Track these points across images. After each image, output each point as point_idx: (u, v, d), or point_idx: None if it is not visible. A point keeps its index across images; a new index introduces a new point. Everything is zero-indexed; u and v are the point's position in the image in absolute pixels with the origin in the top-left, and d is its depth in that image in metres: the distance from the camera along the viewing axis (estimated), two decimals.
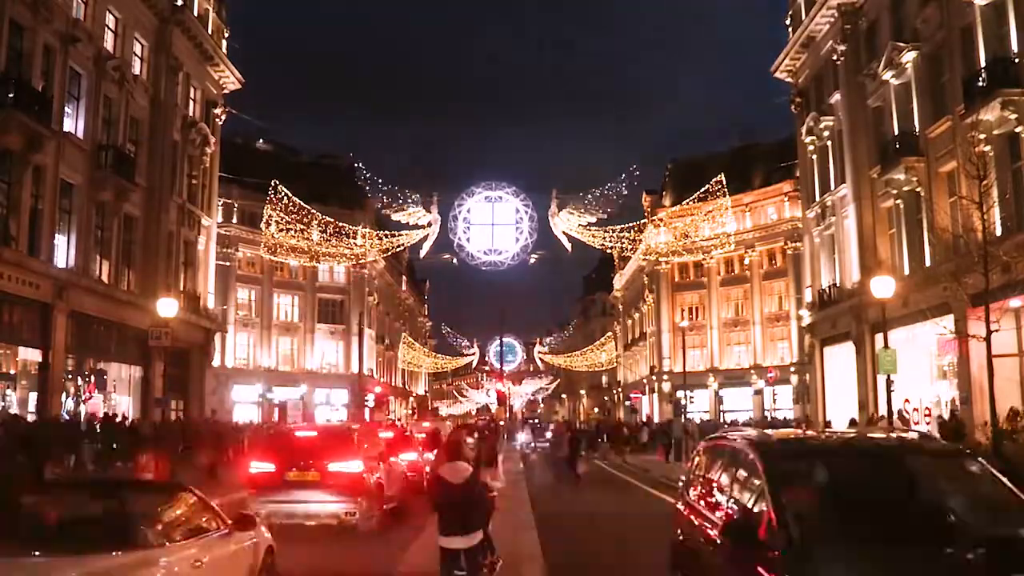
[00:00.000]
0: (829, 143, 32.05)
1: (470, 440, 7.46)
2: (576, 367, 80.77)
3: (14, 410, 21.10)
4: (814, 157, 33.69)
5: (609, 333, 77.66)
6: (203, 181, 33.66)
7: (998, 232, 17.90)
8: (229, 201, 46.99)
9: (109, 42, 26.12)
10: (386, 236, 39.43)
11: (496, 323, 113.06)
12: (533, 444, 39.20)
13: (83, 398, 24.36)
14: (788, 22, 34.97)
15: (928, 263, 24.06)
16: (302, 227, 36.16)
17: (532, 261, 37.49)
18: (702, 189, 37.90)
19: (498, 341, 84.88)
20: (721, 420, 45.14)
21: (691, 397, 45.31)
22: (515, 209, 36.16)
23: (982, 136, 20.27)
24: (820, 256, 33.15)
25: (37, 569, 4.86)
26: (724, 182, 36.97)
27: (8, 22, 20.69)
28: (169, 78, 29.70)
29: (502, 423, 48.47)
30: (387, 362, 67.46)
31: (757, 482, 4.91)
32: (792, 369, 46.67)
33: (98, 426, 21.88)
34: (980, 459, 5.37)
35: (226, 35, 35.38)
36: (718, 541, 5.19)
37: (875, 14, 28.33)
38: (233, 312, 48.18)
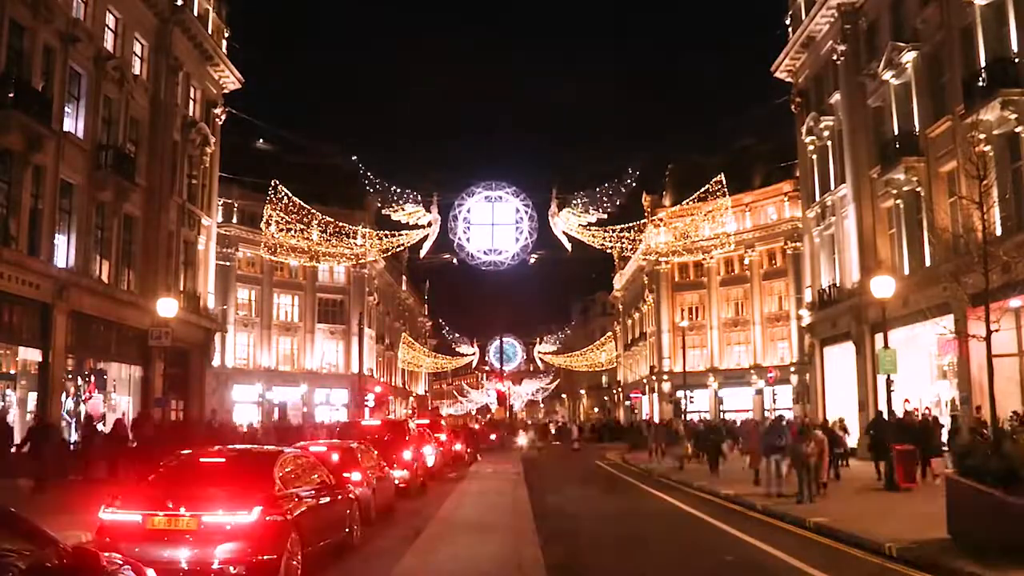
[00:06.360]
0: (829, 143, 32.05)
1: None
2: (576, 367, 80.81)
3: (14, 410, 21.12)
4: (814, 157, 33.70)
5: (609, 333, 77.68)
6: (203, 181, 33.63)
7: (998, 232, 17.89)
8: (229, 201, 46.99)
9: (109, 42, 26.10)
10: (386, 236, 39.43)
11: (496, 323, 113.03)
12: None
13: (83, 398, 24.37)
14: (788, 22, 34.98)
15: (928, 263, 24.06)
16: (302, 227, 36.18)
17: (532, 261, 37.53)
18: (702, 189, 37.90)
19: (498, 341, 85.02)
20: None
21: (691, 397, 45.31)
22: (515, 209, 36.17)
23: (982, 136, 20.29)
24: (820, 256, 33.16)
25: None
26: (724, 182, 36.97)
27: (8, 22, 20.67)
28: (169, 78, 29.68)
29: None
30: (387, 362, 67.46)
31: None
32: (792, 369, 46.69)
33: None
34: None
35: (226, 35, 35.37)
36: None
37: (875, 14, 28.34)
38: (233, 312, 48.18)
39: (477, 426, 56.56)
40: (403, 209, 36.07)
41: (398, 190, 36.00)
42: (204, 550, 7.80)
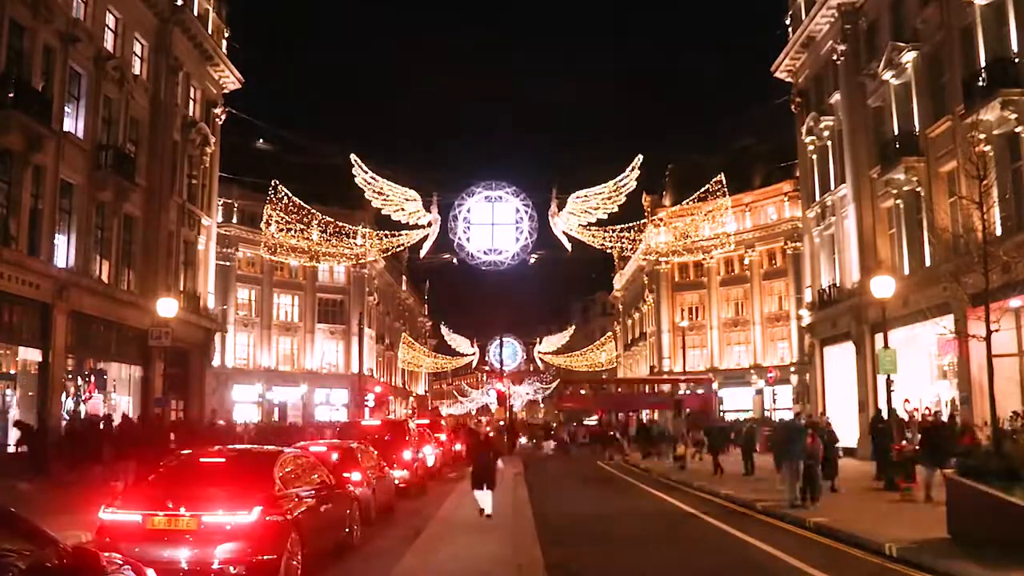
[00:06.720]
0: (829, 143, 32.05)
1: None
2: (576, 367, 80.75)
3: (14, 410, 21.11)
4: (814, 157, 33.70)
5: (609, 333, 77.68)
6: (203, 181, 33.64)
7: (998, 232, 17.90)
8: (229, 201, 47.00)
9: (109, 42, 26.09)
10: (386, 236, 39.36)
11: (496, 323, 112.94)
12: None
13: (83, 398, 24.37)
14: (788, 22, 34.98)
15: (928, 263, 24.07)
16: (302, 227, 36.11)
17: (532, 261, 37.46)
18: (702, 189, 37.86)
19: (498, 341, 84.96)
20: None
21: None
22: (515, 209, 36.09)
23: (982, 136, 20.29)
24: (820, 256, 33.16)
25: None
26: (724, 182, 36.93)
27: (8, 22, 20.66)
28: (169, 78, 29.67)
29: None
30: (387, 362, 67.46)
31: None
32: (792, 369, 46.68)
33: None
34: None
35: (226, 35, 35.37)
36: None
37: (875, 14, 28.34)
38: (233, 312, 48.19)
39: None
40: (402, 209, 35.98)
41: (397, 190, 35.90)
42: (204, 550, 7.80)
